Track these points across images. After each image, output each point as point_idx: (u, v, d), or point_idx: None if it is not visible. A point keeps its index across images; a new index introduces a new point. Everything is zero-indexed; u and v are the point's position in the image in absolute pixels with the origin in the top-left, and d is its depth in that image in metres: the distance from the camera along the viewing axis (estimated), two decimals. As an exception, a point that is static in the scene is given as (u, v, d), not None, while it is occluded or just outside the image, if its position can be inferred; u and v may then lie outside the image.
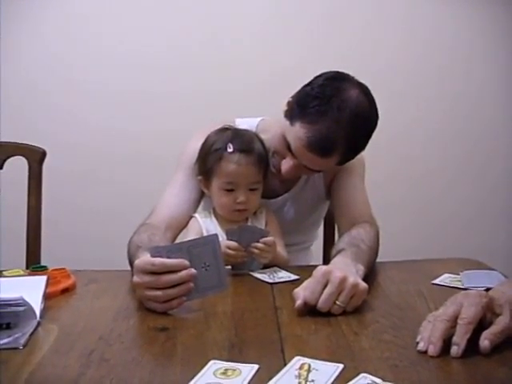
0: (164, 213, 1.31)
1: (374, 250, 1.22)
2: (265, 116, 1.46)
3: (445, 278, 1.13)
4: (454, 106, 2.40)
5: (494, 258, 1.40)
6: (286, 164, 1.28)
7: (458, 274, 1.14)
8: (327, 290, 0.93)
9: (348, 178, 1.39)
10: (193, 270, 0.94)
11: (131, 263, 1.12)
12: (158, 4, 2.29)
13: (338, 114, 1.18)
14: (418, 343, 0.81)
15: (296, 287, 0.97)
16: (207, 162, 1.28)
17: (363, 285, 0.96)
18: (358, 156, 1.35)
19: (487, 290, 0.91)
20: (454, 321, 0.79)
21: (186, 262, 0.94)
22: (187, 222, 1.33)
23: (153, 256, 0.95)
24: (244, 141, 1.27)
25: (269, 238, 1.20)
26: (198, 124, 1.40)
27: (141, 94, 2.31)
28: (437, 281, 1.12)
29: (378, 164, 2.31)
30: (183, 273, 0.93)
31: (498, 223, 2.45)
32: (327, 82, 1.22)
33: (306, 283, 0.97)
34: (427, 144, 2.41)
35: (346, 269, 0.99)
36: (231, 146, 1.25)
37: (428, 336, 0.80)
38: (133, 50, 2.29)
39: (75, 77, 2.30)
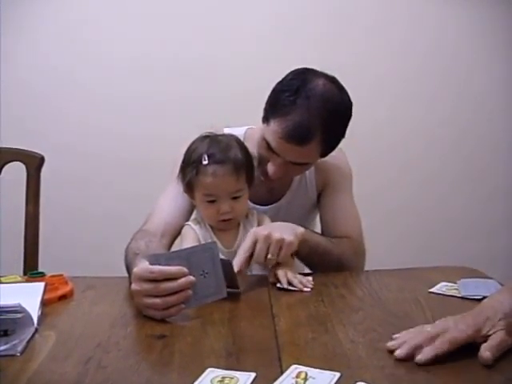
0: (160, 219, 1.31)
1: (337, 248, 1.29)
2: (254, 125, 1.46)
3: (441, 287, 1.13)
4: (455, 110, 2.40)
5: (494, 265, 1.40)
6: (272, 165, 1.28)
7: (455, 283, 1.14)
8: (257, 247, 1.13)
9: (335, 195, 1.42)
10: (191, 278, 0.94)
11: (129, 270, 1.12)
12: (157, 10, 2.29)
13: (307, 101, 1.20)
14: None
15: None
16: (186, 174, 1.26)
17: (289, 239, 1.14)
18: (346, 170, 1.40)
19: (484, 298, 0.91)
20: (435, 338, 0.79)
21: (185, 270, 0.94)
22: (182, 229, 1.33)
23: (151, 264, 0.95)
24: (220, 150, 1.24)
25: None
26: (198, 129, 1.40)
27: (140, 99, 2.32)
28: (434, 289, 1.12)
29: (377, 170, 2.33)
30: (182, 280, 0.93)
31: (498, 230, 2.45)
32: (294, 77, 1.25)
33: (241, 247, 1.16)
34: (426, 150, 2.41)
35: (276, 227, 1.18)
36: (206, 158, 1.22)
37: (403, 340, 0.80)
38: (132, 54, 2.29)
39: (74, 82, 2.30)
